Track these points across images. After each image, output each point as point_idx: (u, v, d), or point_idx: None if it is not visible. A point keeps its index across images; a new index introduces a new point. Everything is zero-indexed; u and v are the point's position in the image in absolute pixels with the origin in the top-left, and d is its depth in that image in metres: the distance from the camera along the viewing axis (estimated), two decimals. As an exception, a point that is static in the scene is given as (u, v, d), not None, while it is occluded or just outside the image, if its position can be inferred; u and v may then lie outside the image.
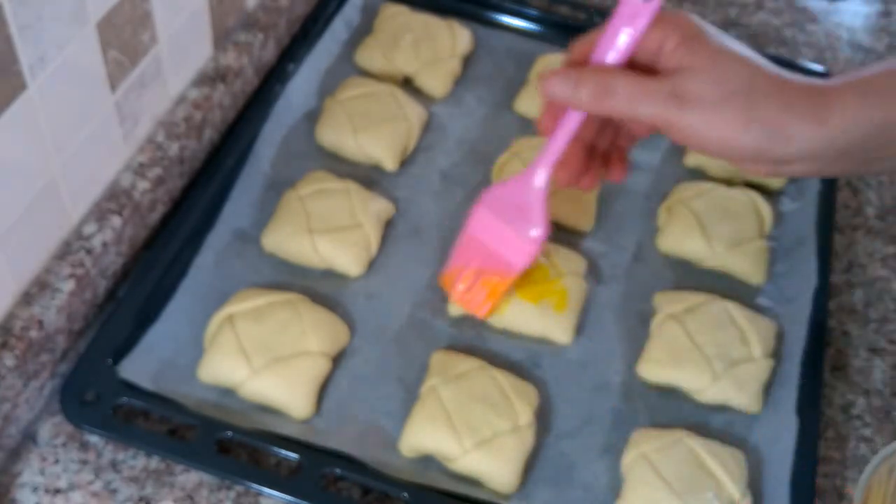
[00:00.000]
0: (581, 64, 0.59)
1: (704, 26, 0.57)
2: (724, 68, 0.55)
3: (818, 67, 1.00)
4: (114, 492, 0.67)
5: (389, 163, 0.86)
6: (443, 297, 0.78)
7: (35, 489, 0.67)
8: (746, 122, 0.54)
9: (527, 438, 0.69)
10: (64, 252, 0.71)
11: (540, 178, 0.65)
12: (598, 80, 0.56)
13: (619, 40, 0.57)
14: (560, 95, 0.57)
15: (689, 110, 0.54)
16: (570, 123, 0.60)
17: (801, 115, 0.55)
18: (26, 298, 0.68)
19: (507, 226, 0.68)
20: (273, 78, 0.91)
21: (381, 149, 0.86)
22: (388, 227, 0.83)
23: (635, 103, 0.55)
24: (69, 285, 0.70)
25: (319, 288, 0.78)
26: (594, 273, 0.82)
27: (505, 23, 1.02)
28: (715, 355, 0.74)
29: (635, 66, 0.57)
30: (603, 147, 0.64)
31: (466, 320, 0.77)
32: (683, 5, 1.11)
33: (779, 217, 0.87)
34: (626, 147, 0.65)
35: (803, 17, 1.12)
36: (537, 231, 0.68)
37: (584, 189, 0.65)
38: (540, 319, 0.76)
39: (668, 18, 0.57)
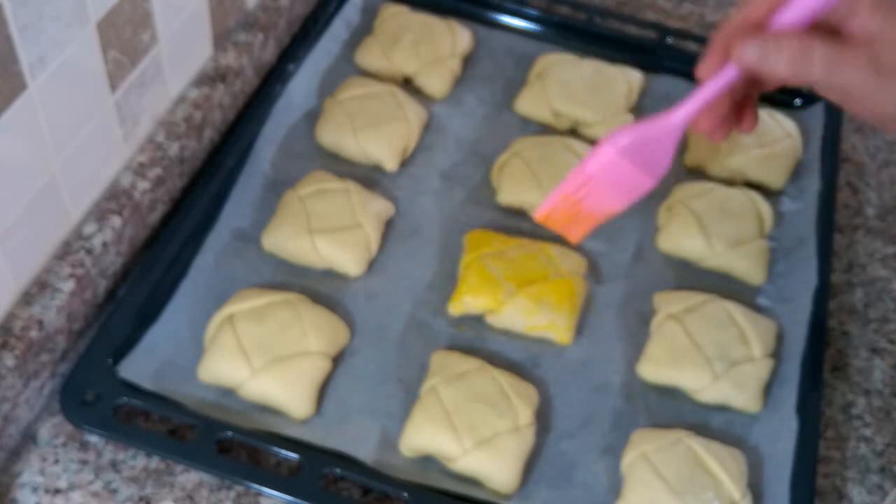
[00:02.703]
0: (759, 23, 0.57)
1: None
2: None
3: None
4: (114, 492, 0.67)
5: (389, 163, 0.86)
6: (443, 297, 0.78)
7: (35, 489, 0.67)
8: None
9: (527, 438, 0.69)
10: (64, 252, 0.71)
11: (681, 117, 0.62)
12: (797, 47, 0.54)
13: (809, 2, 0.55)
14: (754, 62, 0.55)
15: (887, 76, 0.53)
16: (730, 74, 0.58)
17: None
18: (26, 298, 0.68)
19: (629, 162, 0.64)
20: (273, 78, 0.91)
21: (381, 149, 0.86)
22: (388, 227, 0.83)
23: (833, 73, 0.53)
24: (69, 285, 0.70)
25: (319, 288, 0.78)
26: (594, 273, 0.82)
27: (505, 23, 1.02)
28: (715, 355, 0.74)
29: (820, 27, 0.55)
30: (738, 97, 0.63)
31: (466, 320, 0.77)
32: (683, 5, 1.11)
33: (779, 217, 0.87)
34: (756, 96, 0.64)
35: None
36: (659, 168, 0.65)
37: (717, 141, 0.64)
38: (540, 319, 0.76)
39: None
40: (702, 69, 0.60)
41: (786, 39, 0.55)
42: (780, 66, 0.55)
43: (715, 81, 0.59)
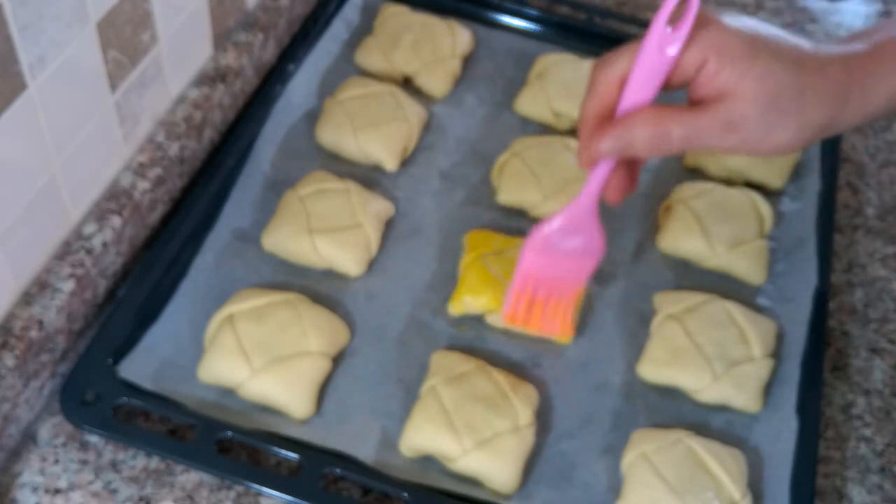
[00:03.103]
0: (609, 99, 0.59)
1: (739, 31, 0.56)
2: (769, 82, 0.55)
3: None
4: (114, 492, 0.67)
5: (389, 163, 0.86)
6: (443, 297, 0.78)
7: (35, 489, 0.67)
8: (801, 127, 0.56)
9: (527, 438, 0.69)
10: (64, 252, 0.71)
11: (586, 203, 0.66)
12: (652, 132, 0.56)
13: (652, 77, 0.57)
14: (614, 153, 0.58)
15: (744, 135, 0.56)
16: (607, 164, 0.62)
17: (847, 99, 0.56)
18: (26, 298, 0.68)
19: (562, 252, 0.69)
20: (273, 78, 0.91)
21: (381, 149, 0.86)
22: (388, 227, 0.83)
23: (691, 143, 0.56)
24: (69, 285, 0.70)
25: (319, 288, 0.78)
26: (594, 273, 0.82)
27: (505, 23, 1.02)
28: (715, 355, 0.74)
29: (668, 85, 0.58)
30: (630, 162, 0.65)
31: (466, 320, 0.77)
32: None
33: (779, 217, 0.87)
34: (644, 160, 0.66)
35: (803, 17, 1.12)
36: (596, 246, 0.70)
37: (616, 203, 0.66)
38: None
39: (704, 36, 0.56)
40: (581, 160, 0.62)
41: (639, 126, 0.57)
42: (641, 149, 0.57)
43: (599, 169, 0.62)
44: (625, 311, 0.80)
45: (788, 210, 0.88)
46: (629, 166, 0.63)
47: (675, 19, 0.57)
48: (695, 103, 0.57)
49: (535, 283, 0.71)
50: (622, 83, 0.58)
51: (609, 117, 0.59)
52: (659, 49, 0.56)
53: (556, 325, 0.75)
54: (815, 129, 0.57)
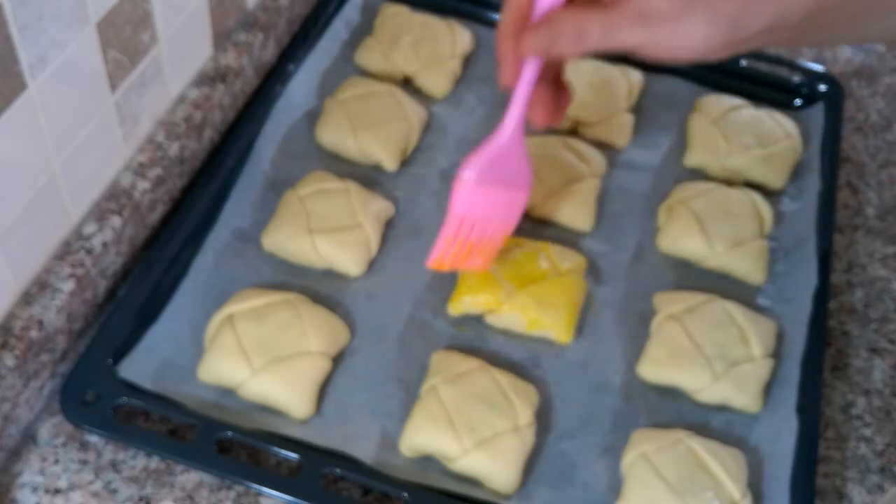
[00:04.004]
0: (524, 11, 0.61)
1: None
2: None
3: (818, 67, 1.00)
4: (114, 492, 0.67)
5: (389, 163, 0.86)
6: (443, 297, 0.78)
7: (35, 489, 0.67)
8: (714, 20, 0.56)
9: (527, 438, 0.69)
10: (64, 252, 0.71)
11: (511, 126, 0.67)
12: (572, 27, 0.59)
13: None
14: (539, 50, 0.60)
15: (657, 25, 0.56)
16: (531, 71, 0.63)
17: None
18: (26, 298, 0.68)
19: (492, 186, 0.69)
20: (273, 78, 0.91)
21: (381, 149, 0.86)
22: (388, 227, 0.83)
23: (609, 37, 0.58)
24: (69, 285, 0.70)
25: (319, 288, 0.78)
26: (594, 273, 0.82)
27: (505, 23, 1.02)
28: (715, 355, 0.74)
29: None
30: (549, 79, 0.67)
31: (466, 320, 0.77)
32: (683, 5, 1.11)
33: (779, 217, 0.87)
34: (562, 72, 0.68)
35: (803, 17, 1.12)
36: (524, 178, 0.69)
37: (555, 123, 0.67)
38: (540, 319, 0.76)
39: None
40: (504, 77, 0.64)
41: (559, 21, 0.59)
42: (565, 47, 0.59)
43: (522, 82, 0.64)
44: (625, 311, 0.80)
45: (788, 210, 0.88)
46: (551, 85, 0.66)
47: None
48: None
49: (467, 226, 0.70)
50: None
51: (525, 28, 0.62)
52: None
53: (478, 262, 0.73)
54: (727, 25, 0.56)
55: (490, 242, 0.72)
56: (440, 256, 0.71)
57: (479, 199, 0.69)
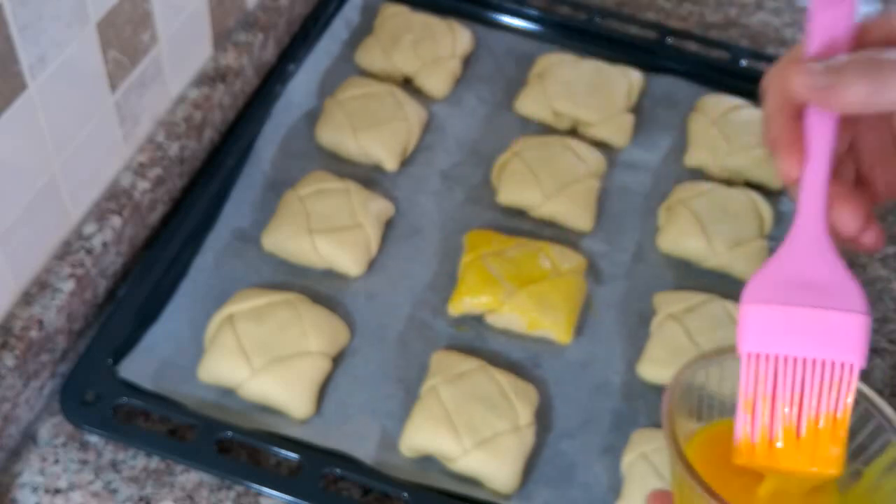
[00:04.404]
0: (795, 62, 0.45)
1: None
2: None
3: (818, 67, 0.99)
4: (114, 492, 0.67)
5: (389, 163, 0.86)
6: (443, 297, 0.78)
7: (35, 489, 0.67)
8: None
9: (527, 438, 0.69)
10: (64, 252, 0.71)
11: (816, 225, 0.46)
12: (865, 63, 0.42)
13: (833, 29, 0.45)
14: (820, 94, 0.43)
15: None
16: (822, 140, 0.45)
17: None
18: (26, 298, 0.68)
19: (806, 310, 0.45)
20: (273, 78, 0.91)
21: (381, 149, 0.86)
22: (388, 227, 0.83)
23: None
24: (69, 285, 0.70)
25: (319, 288, 0.78)
26: (594, 273, 0.82)
27: (505, 23, 1.02)
28: (715, 355, 0.74)
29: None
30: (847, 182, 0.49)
31: (466, 320, 0.77)
32: (683, 5, 1.11)
33: (779, 217, 0.87)
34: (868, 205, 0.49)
35: (803, 17, 1.12)
36: (854, 295, 0.45)
37: (870, 249, 0.48)
38: (540, 319, 0.76)
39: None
40: (787, 166, 0.46)
41: (852, 59, 0.43)
42: (858, 89, 0.43)
43: (814, 161, 0.45)
44: (625, 311, 0.80)
45: (788, 210, 0.88)
46: (853, 182, 0.48)
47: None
48: None
49: (766, 369, 0.45)
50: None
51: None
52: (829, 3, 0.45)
53: (827, 458, 0.45)
54: None
55: (822, 406, 0.45)
56: (746, 436, 0.45)
57: (779, 331, 0.45)
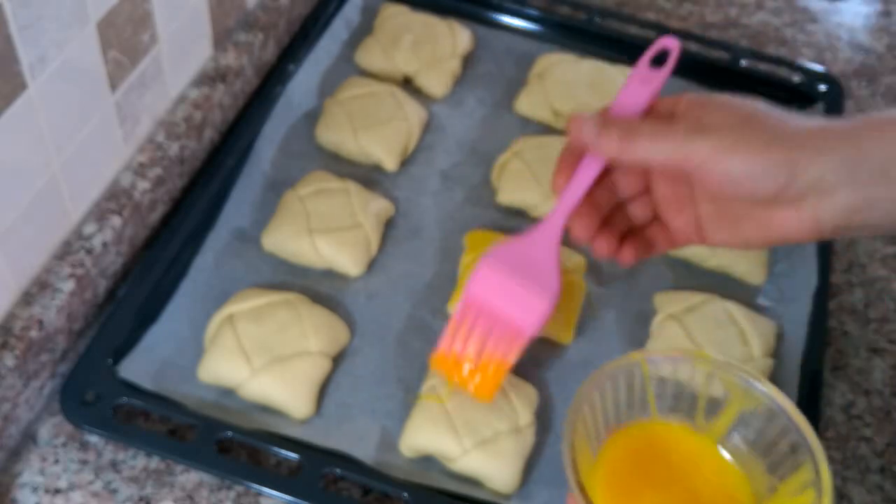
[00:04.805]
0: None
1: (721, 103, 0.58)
2: (738, 104, 0.56)
3: (818, 67, 1.00)
4: (114, 492, 0.67)
5: (389, 163, 0.86)
6: (443, 297, 0.78)
7: (35, 489, 0.67)
8: (767, 143, 0.53)
9: (527, 438, 0.69)
10: (64, 252, 0.71)
11: (553, 229, 0.63)
12: (624, 124, 0.58)
13: (634, 99, 0.60)
14: (587, 138, 0.58)
15: (708, 136, 0.54)
16: (586, 173, 0.60)
17: (825, 139, 0.54)
18: (26, 298, 0.68)
19: (515, 283, 0.64)
20: (273, 78, 0.91)
21: (381, 149, 0.86)
22: (388, 227, 0.83)
23: (657, 143, 0.55)
24: (69, 285, 0.70)
25: (319, 288, 0.78)
26: (594, 273, 0.82)
27: (505, 23, 1.02)
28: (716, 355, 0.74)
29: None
30: (604, 212, 0.63)
31: (466, 320, 0.78)
32: (683, 5, 1.11)
33: (779, 217, 0.87)
34: (625, 229, 0.63)
35: (803, 17, 1.12)
36: (550, 288, 0.64)
37: (623, 262, 0.62)
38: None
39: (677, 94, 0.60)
40: (556, 183, 0.62)
41: (614, 118, 0.59)
42: (612, 140, 0.57)
43: (575, 185, 0.61)
44: (625, 311, 0.80)
45: (788, 210, 0.88)
46: (598, 205, 0.62)
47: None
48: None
49: (476, 315, 0.65)
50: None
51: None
52: (641, 82, 0.61)
53: (481, 386, 0.67)
54: (782, 155, 0.53)
55: (496, 351, 0.66)
56: (445, 348, 0.67)
57: (493, 288, 0.65)
